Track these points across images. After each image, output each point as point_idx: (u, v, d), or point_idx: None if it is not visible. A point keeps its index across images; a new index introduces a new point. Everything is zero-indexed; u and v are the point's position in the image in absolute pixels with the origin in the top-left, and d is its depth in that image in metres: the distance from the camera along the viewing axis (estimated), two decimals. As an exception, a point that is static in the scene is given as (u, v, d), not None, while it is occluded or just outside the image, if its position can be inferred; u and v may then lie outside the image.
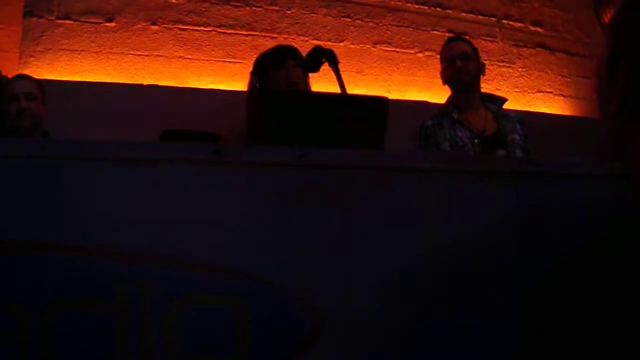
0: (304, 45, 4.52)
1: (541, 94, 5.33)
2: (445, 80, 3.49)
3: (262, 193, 1.45)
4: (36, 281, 1.43)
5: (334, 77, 2.49)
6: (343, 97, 2.13)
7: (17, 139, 3.13)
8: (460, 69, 3.38)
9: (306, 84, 2.88)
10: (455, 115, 3.36)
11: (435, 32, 5.05)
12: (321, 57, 2.56)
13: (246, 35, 4.61)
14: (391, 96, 4.70)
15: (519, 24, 5.36)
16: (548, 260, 1.58)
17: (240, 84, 4.46)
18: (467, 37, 5.07)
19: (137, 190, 1.45)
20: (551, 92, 5.37)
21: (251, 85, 3.03)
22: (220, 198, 1.45)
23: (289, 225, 1.46)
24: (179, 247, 1.44)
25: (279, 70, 2.83)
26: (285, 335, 1.48)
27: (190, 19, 4.52)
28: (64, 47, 4.31)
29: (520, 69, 5.27)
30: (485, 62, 4.73)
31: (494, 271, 1.58)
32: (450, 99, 3.49)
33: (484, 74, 3.49)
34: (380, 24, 4.93)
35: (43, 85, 3.50)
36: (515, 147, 3.31)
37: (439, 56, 4.76)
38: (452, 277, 1.54)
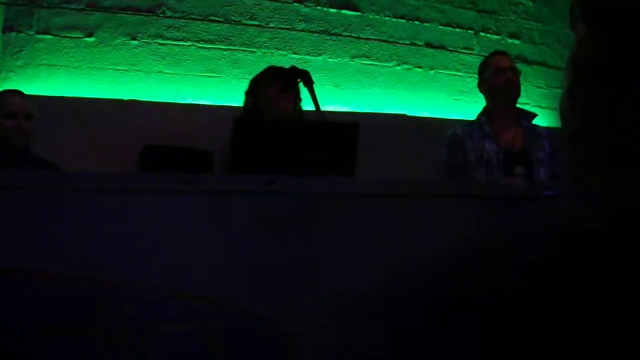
0: (282, 60, 4.59)
1: (519, 105, 5.38)
2: (487, 91, 3.50)
3: (233, 220, 1.48)
4: (16, 307, 1.46)
5: (310, 96, 2.54)
6: (313, 123, 2.16)
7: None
8: (513, 81, 3.40)
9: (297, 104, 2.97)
10: (487, 129, 3.38)
11: (413, 45, 5.09)
12: (296, 77, 2.61)
13: (225, 50, 4.64)
14: (369, 109, 4.77)
15: (496, 37, 5.41)
16: (516, 282, 1.61)
17: (219, 98, 4.50)
18: (444, 49, 5.16)
19: (113, 219, 1.48)
20: (528, 104, 5.43)
21: (244, 105, 3.17)
22: (192, 226, 1.48)
23: (259, 251, 1.49)
24: (153, 274, 1.47)
25: (267, 92, 2.99)
26: (258, 358, 1.50)
27: (169, 34, 4.54)
28: (43, 62, 4.32)
29: (498, 81, 5.32)
30: (463, 74, 4.80)
31: (465, 294, 1.61)
32: (485, 111, 3.51)
33: (520, 96, 3.52)
34: (358, 38, 4.97)
35: None
36: (540, 165, 3.32)
37: (416, 69, 4.81)
38: (423, 300, 1.57)
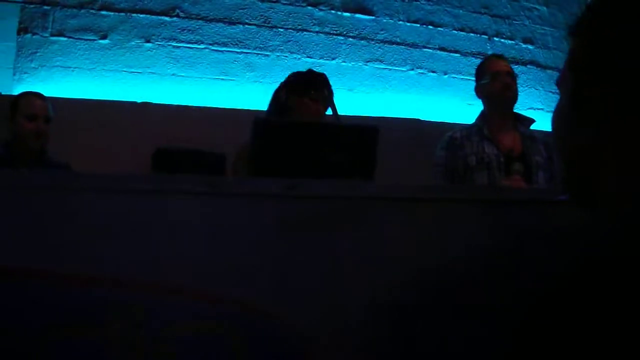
0: (296, 64, 4.59)
1: (532, 110, 5.37)
2: (484, 95, 3.48)
3: (254, 224, 1.47)
4: (24, 309, 1.45)
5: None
6: (334, 127, 2.16)
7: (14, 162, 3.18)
8: (510, 86, 3.38)
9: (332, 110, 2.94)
10: (486, 132, 3.36)
11: (426, 49, 5.09)
12: (326, 85, 2.64)
13: (239, 53, 4.65)
14: (383, 114, 4.77)
15: (510, 41, 5.41)
16: (534, 288, 1.60)
17: (232, 102, 4.50)
18: (458, 54, 5.15)
19: (127, 220, 1.47)
20: (542, 109, 5.42)
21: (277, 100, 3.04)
22: (212, 229, 1.47)
23: (280, 255, 1.48)
24: (172, 275, 1.46)
25: (302, 102, 2.88)
26: (276, 363, 1.50)
27: (183, 37, 4.55)
28: (57, 63, 4.33)
29: (511, 86, 5.31)
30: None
31: (483, 298, 1.60)
32: (482, 115, 3.48)
33: (517, 100, 3.50)
34: (372, 42, 4.97)
35: None
36: (539, 169, 3.31)
37: (430, 74, 4.81)
38: (442, 304, 1.56)
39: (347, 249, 1.49)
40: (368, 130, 1.91)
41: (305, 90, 2.88)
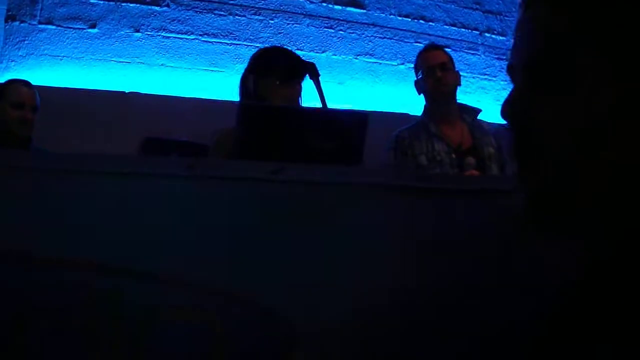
0: (286, 56, 4.56)
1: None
2: (422, 91, 3.39)
3: (237, 208, 1.45)
4: (12, 292, 1.43)
5: (315, 89, 2.48)
6: (323, 112, 2.13)
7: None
8: (441, 80, 3.29)
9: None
10: (433, 129, 3.27)
11: (417, 44, 5.07)
12: (304, 70, 2.54)
13: (229, 45, 4.62)
14: (373, 108, 4.75)
15: (501, 37, 5.40)
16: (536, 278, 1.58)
17: (221, 93, 4.48)
18: (449, 49, 5.13)
19: (113, 203, 1.45)
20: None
21: (245, 85, 2.75)
22: (195, 213, 1.45)
23: (263, 240, 1.46)
24: (154, 260, 1.44)
25: (284, 88, 2.63)
26: (261, 350, 1.47)
27: (173, 27, 4.52)
28: (46, 52, 4.30)
29: (502, 82, 5.31)
30: (467, 74, 4.75)
31: (469, 286, 1.58)
32: (426, 110, 3.40)
33: (460, 84, 3.39)
34: (363, 36, 4.95)
35: None
36: (492, 161, 3.25)
37: (421, 68, 4.77)
38: (434, 293, 1.54)
39: (333, 234, 1.47)
40: (358, 116, 1.88)
41: (273, 72, 2.65)
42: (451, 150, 3.22)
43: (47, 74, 4.27)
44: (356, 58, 4.89)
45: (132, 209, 1.44)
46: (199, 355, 1.46)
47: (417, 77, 3.43)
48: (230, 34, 4.64)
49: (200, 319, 1.48)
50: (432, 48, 3.52)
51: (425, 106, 3.43)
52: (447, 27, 5.20)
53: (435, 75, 3.29)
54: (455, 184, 1.66)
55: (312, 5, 4.84)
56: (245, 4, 4.68)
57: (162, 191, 1.44)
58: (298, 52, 4.63)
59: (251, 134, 1.74)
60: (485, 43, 5.28)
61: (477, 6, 5.32)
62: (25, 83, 3.48)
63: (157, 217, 1.43)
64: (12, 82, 3.49)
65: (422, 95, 3.43)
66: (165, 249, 1.43)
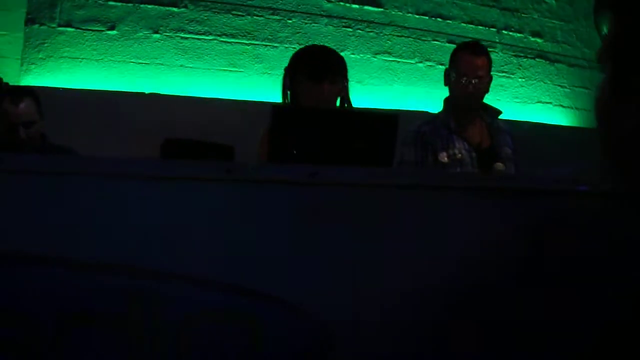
0: (305, 55, 4.57)
1: (540, 104, 5.35)
2: (452, 91, 3.30)
3: (274, 211, 1.46)
4: (42, 295, 1.44)
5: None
6: (353, 113, 2.13)
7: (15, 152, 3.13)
8: (473, 94, 3.22)
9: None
10: (452, 125, 3.24)
11: (435, 42, 5.07)
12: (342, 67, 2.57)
13: (247, 45, 4.63)
14: (391, 106, 4.75)
15: (518, 35, 5.38)
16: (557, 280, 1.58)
17: (241, 93, 4.49)
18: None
19: (146, 206, 1.46)
20: (550, 103, 5.40)
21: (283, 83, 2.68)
22: (232, 216, 1.45)
23: (300, 242, 1.46)
24: (191, 264, 1.44)
25: (313, 87, 2.54)
26: (296, 352, 1.48)
27: (192, 28, 4.53)
28: (65, 54, 4.32)
29: (519, 79, 5.30)
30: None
31: (502, 286, 1.58)
32: (448, 104, 3.35)
33: (488, 91, 3.32)
34: (381, 34, 4.95)
35: (39, 97, 3.40)
36: (510, 162, 3.24)
37: (439, 66, 4.77)
38: (464, 293, 1.54)
39: (368, 236, 1.48)
40: (388, 118, 1.88)
41: (302, 70, 2.59)
42: (471, 149, 3.21)
43: (66, 76, 4.29)
44: (374, 57, 4.89)
45: (168, 212, 1.44)
46: (234, 358, 1.47)
47: (450, 69, 3.31)
48: (249, 34, 4.64)
49: (235, 321, 1.48)
50: (475, 52, 3.30)
51: (447, 99, 3.37)
52: (465, 24, 5.19)
53: (468, 83, 3.20)
54: (489, 182, 1.66)
55: (329, 4, 4.84)
56: (263, 4, 4.68)
57: (199, 194, 1.45)
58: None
59: (282, 136, 1.75)
60: (503, 41, 5.27)
61: (495, 3, 5.30)
62: (18, 98, 3.32)
63: (194, 221, 1.44)
64: (3, 100, 3.32)
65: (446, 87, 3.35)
66: (202, 252, 1.44)
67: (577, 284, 1.56)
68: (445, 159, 3.19)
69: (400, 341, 1.52)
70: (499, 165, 3.12)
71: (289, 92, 2.60)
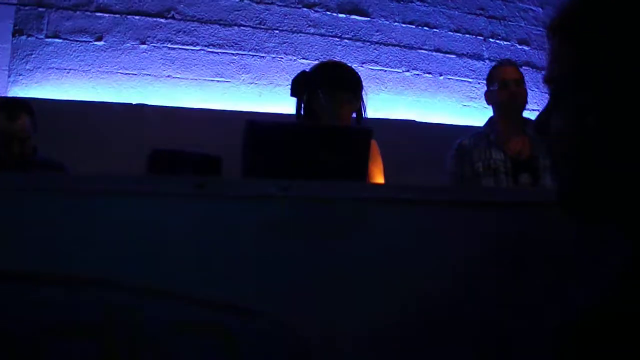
0: (291, 65, 4.59)
1: (528, 111, 5.36)
2: (493, 102, 3.55)
3: (248, 225, 1.46)
4: (23, 311, 1.44)
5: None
6: (326, 128, 2.14)
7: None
8: (516, 95, 3.45)
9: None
10: (492, 137, 3.42)
11: (422, 50, 5.09)
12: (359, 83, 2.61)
13: (234, 55, 4.64)
14: (378, 115, 4.76)
15: (505, 43, 5.41)
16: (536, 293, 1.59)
17: (228, 103, 4.50)
18: (454, 55, 5.15)
19: (121, 222, 1.46)
20: (538, 110, 5.40)
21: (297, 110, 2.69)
22: (205, 230, 1.46)
23: (274, 256, 1.47)
24: (166, 279, 1.45)
25: (331, 103, 2.59)
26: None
27: (179, 39, 4.54)
28: (53, 65, 4.32)
29: (507, 87, 5.31)
30: (472, 80, 4.78)
31: (483, 300, 1.59)
32: (491, 121, 3.55)
33: (527, 102, 3.57)
34: (368, 43, 4.97)
35: (32, 108, 3.46)
36: (547, 172, 3.34)
37: (426, 75, 4.80)
38: (441, 305, 1.55)
39: (342, 249, 1.49)
40: (362, 132, 1.90)
41: (317, 86, 2.60)
42: (507, 158, 3.33)
43: (54, 87, 4.29)
44: (361, 66, 4.90)
45: (140, 227, 1.45)
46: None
47: (489, 88, 3.57)
48: (236, 44, 4.65)
49: (216, 334, 1.49)
50: (509, 63, 3.69)
51: (490, 117, 3.58)
52: (452, 33, 5.21)
53: (511, 89, 3.45)
54: (465, 195, 1.67)
55: (316, 14, 4.85)
56: (250, 14, 4.70)
57: (173, 209, 1.46)
58: (303, 61, 4.68)
59: (255, 150, 1.76)
60: (490, 49, 5.29)
61: (481, 12, 5.33)
62: (13, 114, 3.35)
63: (171, 235, 1.45)
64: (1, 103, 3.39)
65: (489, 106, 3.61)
66: (181, 266, 1.45)
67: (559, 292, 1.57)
68: (481, 168, 3.36)
69: (376, 355, 1.53)
70: (524, 177, 3.23)
71: (302, 105, 2.64)
